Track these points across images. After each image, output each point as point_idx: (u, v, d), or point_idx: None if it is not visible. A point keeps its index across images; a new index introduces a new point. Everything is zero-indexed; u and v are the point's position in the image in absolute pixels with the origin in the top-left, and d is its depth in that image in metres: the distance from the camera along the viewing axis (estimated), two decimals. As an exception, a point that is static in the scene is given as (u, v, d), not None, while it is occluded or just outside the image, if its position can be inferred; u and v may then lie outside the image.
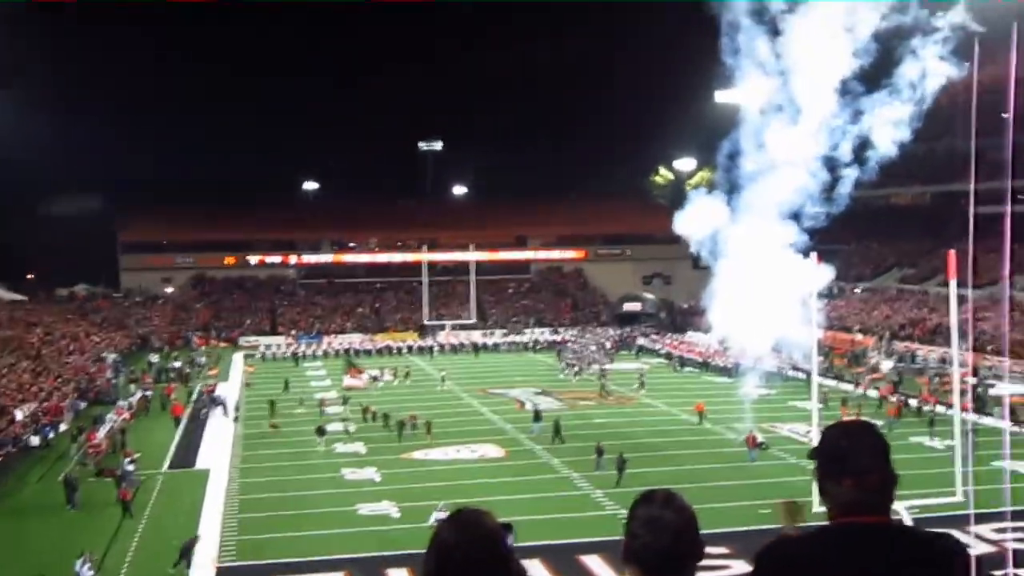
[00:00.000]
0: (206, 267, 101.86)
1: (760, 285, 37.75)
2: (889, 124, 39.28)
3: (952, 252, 31.43)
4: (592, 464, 41.46)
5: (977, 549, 23.31)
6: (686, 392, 60.66)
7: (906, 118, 38.99)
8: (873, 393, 56.88)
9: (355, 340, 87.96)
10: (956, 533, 3.67)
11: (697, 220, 43.18)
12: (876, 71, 38.93)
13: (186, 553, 30.28)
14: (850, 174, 41.93)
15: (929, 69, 38.34)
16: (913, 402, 53.43)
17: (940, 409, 50.42)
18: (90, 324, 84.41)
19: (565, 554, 30.05)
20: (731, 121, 42.08)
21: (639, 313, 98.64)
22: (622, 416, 54.45)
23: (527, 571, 3.36)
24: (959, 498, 28.78)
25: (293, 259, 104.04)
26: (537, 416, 50.30)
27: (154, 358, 77.16)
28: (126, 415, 52.93)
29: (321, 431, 47.55)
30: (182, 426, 52.71)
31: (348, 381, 65.80)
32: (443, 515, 3.51)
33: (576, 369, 71.02)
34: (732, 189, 41.33)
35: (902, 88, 38.91)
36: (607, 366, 72.34)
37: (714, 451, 45.00)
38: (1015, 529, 30.51)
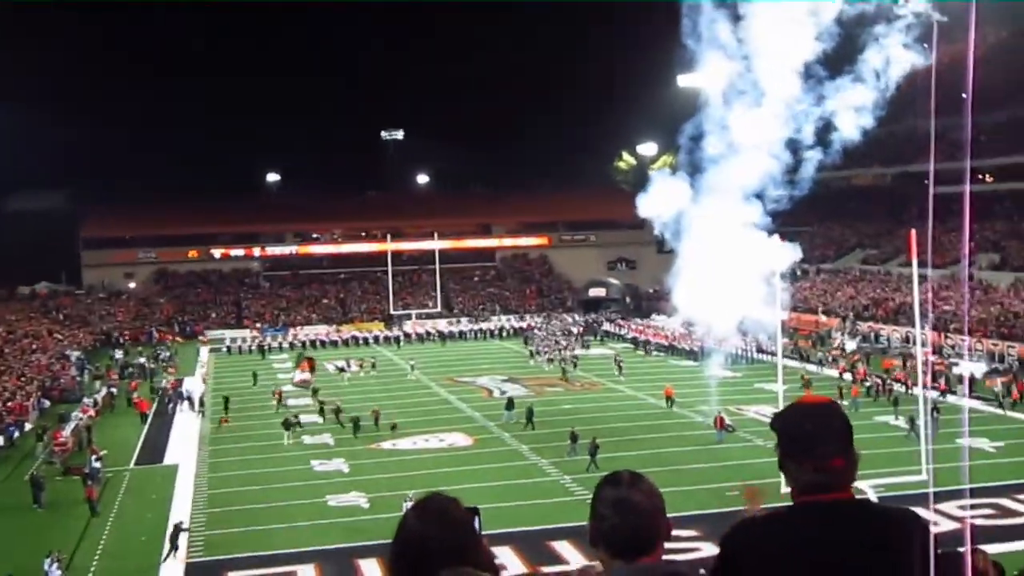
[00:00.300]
0: (169, 261, 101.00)
1: (724, 265, 37.88)
2: (852, 110, 39.56)
3: (913, 232, 31.70)
4: (561, 450, 41.57)
5: (941, 526, 23.54)
6: (653, 376, 60.78)
7: (869, 105, 39.27)
8: (848, 376, 56.68)
9: (321, 331, 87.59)
10: (921, 510, 3.68)
11: (660, 202, 43.23)
12: (839, 56, 39.17)
13: (174, 540, 30.82)
14: (812, 157, 42.17)
15: (892, 57, 38.62)
16: (873, 381, 53.71)
17: (895, 387, 51.02)
18: (53, 322, 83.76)
19: (535, 540, 30.14)
20: (693, 105, 42.22)
21: (604, 298, 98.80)
22: (590, 402, 54.51)
23: (496, 556, 3.36)
24: (923, 476, 29.06)
25: (257, 251, 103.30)
26: (510, 404, 50.28)
27: (118, 354, 76.59)
28: (91, 412, 52.49)
29: (287, 424, 47.37)
30: (148, 422, 52.42)
31: (299, 376, 63.45)
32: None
33: (548, 356, 70.73)
34: (695, 171, 41.46)
35: (866, 75, 39.19)
36: (578, 352, 72.32)
37: (682, 434, 45.13)
38: (975, 506, 30.88)
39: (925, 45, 38.45)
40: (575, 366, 66.09)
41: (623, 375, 61.93)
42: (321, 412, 51.81)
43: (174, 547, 30.63)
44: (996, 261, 73.91)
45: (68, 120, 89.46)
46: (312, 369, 64.38)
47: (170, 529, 31.87)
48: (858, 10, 39.01)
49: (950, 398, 48.53)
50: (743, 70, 38.80)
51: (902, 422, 43.94)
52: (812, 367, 61.30)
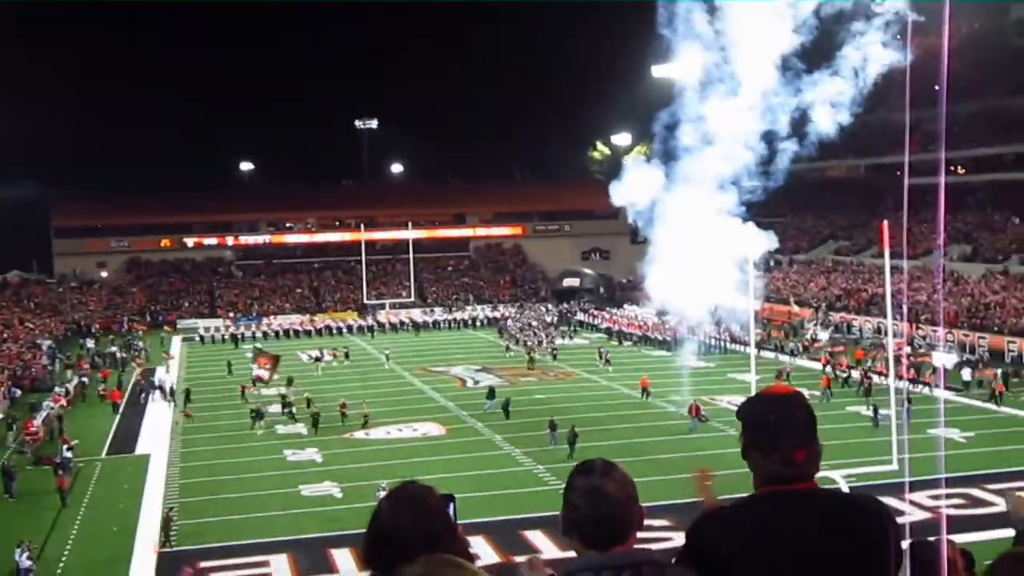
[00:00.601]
0: (142, 250, 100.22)
1: (697, 253, 37.95)
2: (829, 104, 39.68)
3: (885, 223, 31.81)
4: (535, 440, 41.62)
5: (913, 516, 23.70)
6: (627, 366, 60.85)
7: (846, 100, 39.40)
8: (829, 369, 56.55)
9: (295, 321, 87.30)
10: (893, 500, 3.71)
11: (634, 190, 43.21)
12: (817, 50, 39.28)
13: (167, 527, 31.10)
14: (787, 148, 42.28)
15: (870, 54, 38.77)
16: (856, 374, 53.67)
17: (876, 379, 51.11)
18: (24, 311, 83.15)
19: (508, 530, 30.19)
20: (668, 96, 42.24)
21: (578, 288, 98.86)
22: (564, 392, 54.55)
23: (470, 544, 3.36)
24: (894, 467, 29.24)
25: (230, 240, 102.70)
26: (491, 393, 50.26)
27: (90, 343, 76.16)
28: (63, 402, 52.21)
29: (259, 414, 47.11)
30: (120, 412, 52.14)
31: (256, 372, 58.89)
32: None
33: (530, 346, 70.31)
34: (669, 160, 41.48)
35: (843, 70, 39.33)
36: (556, 342, 72.11)
37: (655, 424, 45.25)
38: (949, 495, 31.11)
39: (899, 36, 38.64)
40: (554, 356, 66.03)
41: (610, 366, 61.04)
42: (283, 404, 50.23)
43: (168, 536, 30.78)
44: (968, 252, 74.37)
45: (40, 109, 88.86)
46: (275, 364, 59.22)
47: (160, 518, 32.23)
48: (836, 8, 39.19)
49: (923, 388, 48.70)
50: (719, 61, 38.88)
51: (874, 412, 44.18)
52: (785, 358, 61.43)
